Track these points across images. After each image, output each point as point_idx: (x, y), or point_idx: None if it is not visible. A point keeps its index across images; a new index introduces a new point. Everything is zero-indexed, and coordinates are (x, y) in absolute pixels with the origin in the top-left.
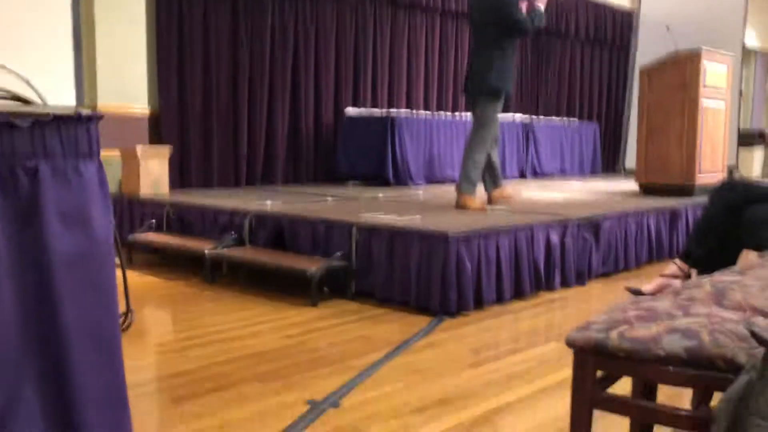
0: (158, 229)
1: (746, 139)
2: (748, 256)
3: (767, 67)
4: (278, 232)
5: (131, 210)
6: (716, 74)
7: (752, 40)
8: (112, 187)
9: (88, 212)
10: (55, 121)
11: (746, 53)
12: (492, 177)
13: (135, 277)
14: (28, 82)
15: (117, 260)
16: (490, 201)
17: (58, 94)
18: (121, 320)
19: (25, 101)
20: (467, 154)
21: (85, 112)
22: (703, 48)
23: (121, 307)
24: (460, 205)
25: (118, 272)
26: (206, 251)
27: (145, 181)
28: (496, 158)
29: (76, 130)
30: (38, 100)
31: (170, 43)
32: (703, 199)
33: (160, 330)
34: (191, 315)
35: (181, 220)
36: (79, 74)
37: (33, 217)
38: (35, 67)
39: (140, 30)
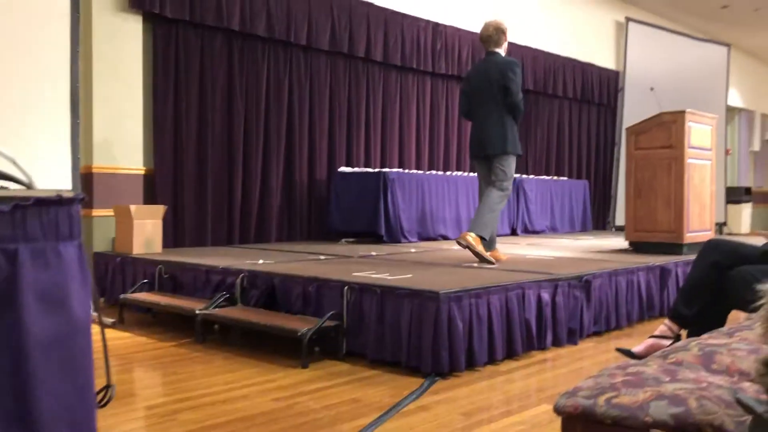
0: (150, 288)
1: (734, 195)
2: (737, 317)
3: (751, 125)
4: (270, 292)
5: (123, 269)
6: (701, 134)
7: (735, 99)
8: (106, 245)
9: (67, 294)
10: (36, 204)
11: (730, 111)
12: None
13: (126, 338)
14: (14, 162)
15: (107, 321)
16: None
17: (56, 153)
18: (100, 396)
19: (12, 179)
20: (488, 204)
21: (67, 194)
22: (687, 110)
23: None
24: (467, 245)
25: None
26: (197, 311)
27: (138, 240)
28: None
29: (57, 213)
30: (24, 179)
31: (166, 103)
32: (692, 257)
33: (149, 392)
34: (181, 377)
35: (173, 279)
36: (76, 134)
37: (11, 299)
38: (34, 127)
39: (137, 91)
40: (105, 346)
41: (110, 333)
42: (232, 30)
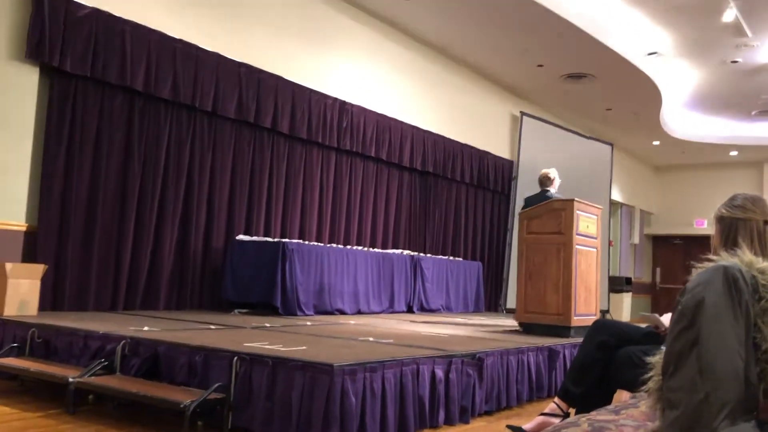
0: (20, 353)
1: (616, 285)
2: (621, 396)
3: (631, 219)
4: (153, 361)
5: None
6: (588, 222)
7: (617, 194)
8: None
9: None
10: None
11: (613, 205)
12: None
13: None
14: None
15: None
16: None
17: None
18: None
19: None
20: None
21: None
22: (575, 199)
23: None
24: None
25: None
26: (70, 378)
27: (12, 300)
28: None
29: None
30: None
31: (57, 158)
32: (579, 339)
33: None
34: None
35: (47, 344)
36: None
37: None
38: None
39: (26, 144)
40: None
41: None
42: (134, 90)
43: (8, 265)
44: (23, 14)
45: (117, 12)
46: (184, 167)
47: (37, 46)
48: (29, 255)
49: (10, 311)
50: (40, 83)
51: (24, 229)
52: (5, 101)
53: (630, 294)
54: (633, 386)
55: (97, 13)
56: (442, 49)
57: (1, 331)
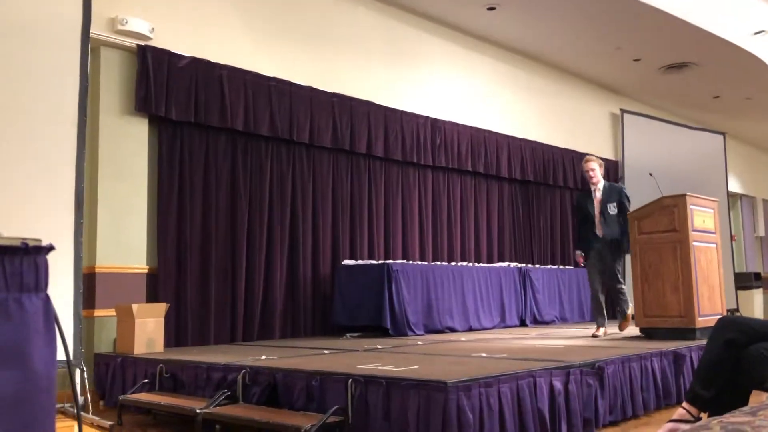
0: (151, 388)
1: (744, 281)
2: (761, 398)
3: (753, 211)
4: (272, 388)
5: (124, 370)
6: (703, 217)
7: (735, 186)
8: (108, 346)
9: (28, 348)
10: None
11: (732, 197)
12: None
13: None
14: None
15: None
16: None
17: (57, 253)
18: None
19: None
20: (623, 289)
21: (33, 243)
22: (687, 194)
23: None
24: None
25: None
26: (197, 410)
27: (140, 339)
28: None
29: (21, 262)
30: None
31: (170, 202)
32: (705, 341)
33: None
34: None
35: (174, 377)
36: (79, 234)
37: None
38: (35, 227)
39: (141, 191)
40: (79, 418)
41: None
42: (235, 130)
43: (134, 306)
44: (130, 70)
45: (213, 58)
46: (287, 199)
47: (144, 99)
48: (152, 295)
49: (140, 349)
50: (149, 133)
51: (146, 271)
52: (121, 153)
53: (761, 290)
54: None
55: (195, 61)
56: (531, 55)
57: (133, 368)
